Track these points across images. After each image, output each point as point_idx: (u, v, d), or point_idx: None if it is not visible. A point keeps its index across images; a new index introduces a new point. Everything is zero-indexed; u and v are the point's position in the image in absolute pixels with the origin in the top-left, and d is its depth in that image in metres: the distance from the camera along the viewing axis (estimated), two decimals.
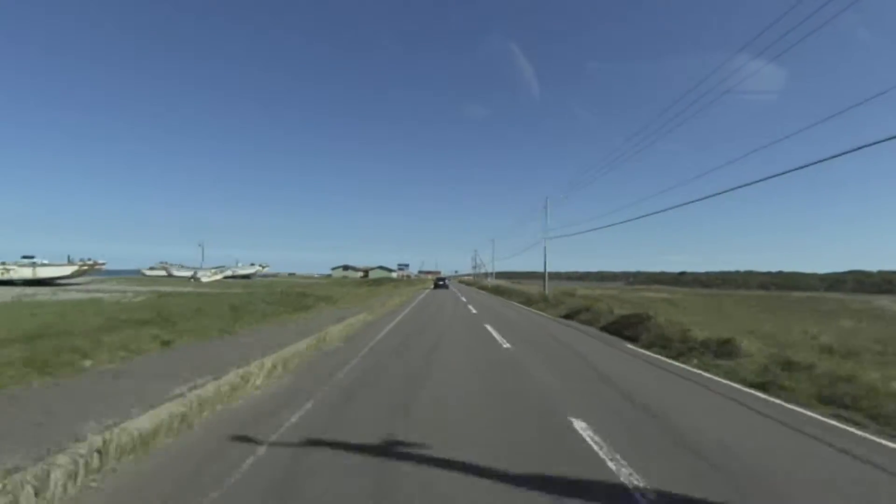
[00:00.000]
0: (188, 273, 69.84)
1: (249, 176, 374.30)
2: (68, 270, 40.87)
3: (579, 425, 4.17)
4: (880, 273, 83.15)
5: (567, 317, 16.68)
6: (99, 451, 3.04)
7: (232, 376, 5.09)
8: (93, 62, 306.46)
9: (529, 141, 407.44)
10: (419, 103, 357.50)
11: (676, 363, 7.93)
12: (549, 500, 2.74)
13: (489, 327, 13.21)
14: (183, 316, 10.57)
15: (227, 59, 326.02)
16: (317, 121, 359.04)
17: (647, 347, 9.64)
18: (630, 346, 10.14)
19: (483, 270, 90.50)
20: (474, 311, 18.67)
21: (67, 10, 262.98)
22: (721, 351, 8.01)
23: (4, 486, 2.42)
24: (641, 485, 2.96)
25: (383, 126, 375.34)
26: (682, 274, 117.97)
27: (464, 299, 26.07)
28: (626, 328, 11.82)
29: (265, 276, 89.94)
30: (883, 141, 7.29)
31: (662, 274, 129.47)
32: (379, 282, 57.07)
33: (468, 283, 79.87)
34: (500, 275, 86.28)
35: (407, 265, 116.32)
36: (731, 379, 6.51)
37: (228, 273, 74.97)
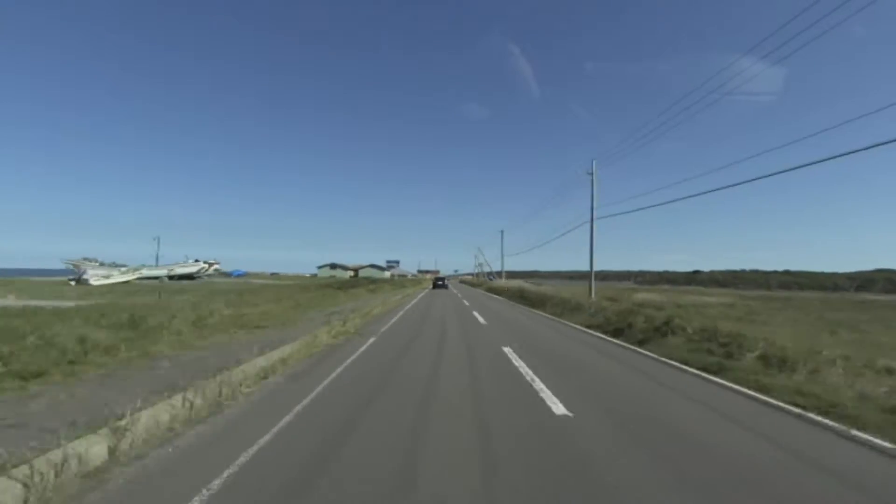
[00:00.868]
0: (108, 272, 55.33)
1: (243, 176, 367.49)
2: None
3: None
4: None
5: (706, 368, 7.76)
6: None
7: None
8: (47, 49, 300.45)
9: (529, 140, 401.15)
10: (419, 102, 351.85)
11: None
12: None
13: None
14: None
15: (227, 58, 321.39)
16: (312, 119, 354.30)
17: None
18: None
19: (487, 269, 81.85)
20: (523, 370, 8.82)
21: None
22: None
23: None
24: None
25: (382, 125, 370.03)
26: (696, 273, 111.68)
27: (482, 320, 14.21)
28: None
29: (212, 275, 75.59)
30: None
31: (673, 273, 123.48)
32: (357, 283, 46.11)
33: (472, 284, 67.72)
34: (508, 274, 74.47)
35: (397, 262, 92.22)
36: None
37: (145, 273, 59.84)
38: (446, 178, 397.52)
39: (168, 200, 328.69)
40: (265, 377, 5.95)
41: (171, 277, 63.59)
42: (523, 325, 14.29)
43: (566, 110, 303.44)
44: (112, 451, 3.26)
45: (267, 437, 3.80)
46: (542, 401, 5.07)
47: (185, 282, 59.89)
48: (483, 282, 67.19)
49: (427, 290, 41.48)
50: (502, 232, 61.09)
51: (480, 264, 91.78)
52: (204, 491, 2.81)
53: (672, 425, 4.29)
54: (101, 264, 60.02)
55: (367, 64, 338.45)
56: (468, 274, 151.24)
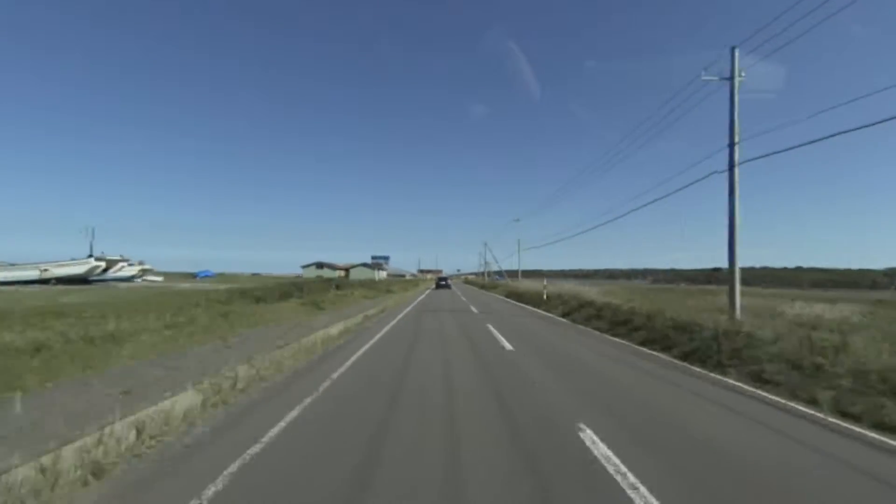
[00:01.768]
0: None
1: (234, 176, 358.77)
2: None
3: None
4: None
5: None
6: None
7: None
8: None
9: (529, 139, 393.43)
10: (418, 101, 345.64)
11: None
12: None
13: None
14: None
15: (224, 56, 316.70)
16: (312, 119, 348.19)
17: None
18: None
19: (496, 268, 71.89)
20: None
21: None
22: None
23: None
24: None
25: (380, 124, 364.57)
26: (717, 270, 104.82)
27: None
28: None
29: (121, 278, 57.83)
30: None
31: (692, 271, 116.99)
32: (315, 288, 28.25)
33: (481, 286, 55.58)
34: (509, 274, 65.67)
35: (385, 258, 65.27)
36: None
37: None
38: (446, 179, 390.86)
39: (153, 200, 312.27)
40: None
41: (44, 281, 48.20)
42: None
43: (566, 108, 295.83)
44: None
45: None
46: None
47: (61, 286, 44.23)
48: (496, 283, 55.48)
49: (419, 300, 28.82)
50: (518, 221, 50.96)
51: (487, 262, 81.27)
52: None
53: None
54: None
55: (368, 64, 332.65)
56: (471, 273, 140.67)
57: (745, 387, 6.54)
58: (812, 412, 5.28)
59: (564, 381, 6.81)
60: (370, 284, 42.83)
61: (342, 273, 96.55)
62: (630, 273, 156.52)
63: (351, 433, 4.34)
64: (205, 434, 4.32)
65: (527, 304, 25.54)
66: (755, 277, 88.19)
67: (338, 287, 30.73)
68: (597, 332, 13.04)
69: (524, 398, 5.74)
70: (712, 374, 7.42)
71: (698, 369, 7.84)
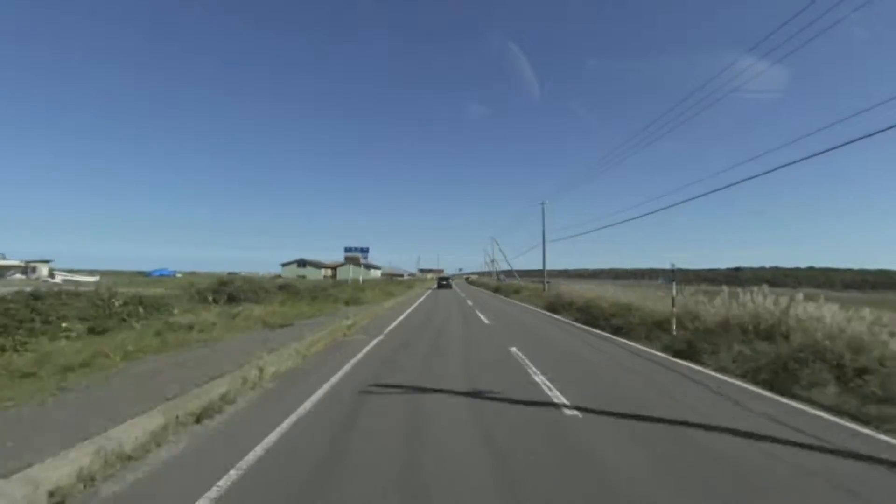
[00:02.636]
0: None
1: (242, 176, 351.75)
2: None
3: None
4: None
5: None
6: None
7: None
8: None
9: (530, 139, 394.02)
10: (417, 101, 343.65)
11: None
12: None
13: None
14: None
15: (225, 57, 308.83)
16: (312, 119, 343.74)
17: None
18: None
19: (505, 267, 65.00)
20: None
21: None
22: None
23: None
24: None
25: (380, 123, 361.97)
26: (738, 270, 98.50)
27: None
28: None
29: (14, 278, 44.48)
30: None
31: (711, 271, 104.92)
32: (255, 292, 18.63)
33: (497, 290, 44.33)
34: (521, 273, 61.56)
35: (364, 250, 49.06)
36: None
37: None
38: (446, 178, 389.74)
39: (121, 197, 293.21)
40: None
41: None
42: None
43: (566, 108, 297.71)
44: None
45: None
46: None
47: None
48: (512, 285, 45.12)
49: (412, 309, 20.78)
50: (543, 204, 37.27)
51: (494, 260, 72.95)
52: None
53: None
54: None
55: (367, 63, 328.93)
56: (474, 273, 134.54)
57: None
58: None
59: None
60: (329, 289, 27.44)
61: (329, 272, 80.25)
62: (634, 273, 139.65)
63: None
64: None
65: (589, 328, 13.52)
66: (778, 277, 78.94)
67: (295, 292, 21.83)
68: None
69: None
70: None
71: None
